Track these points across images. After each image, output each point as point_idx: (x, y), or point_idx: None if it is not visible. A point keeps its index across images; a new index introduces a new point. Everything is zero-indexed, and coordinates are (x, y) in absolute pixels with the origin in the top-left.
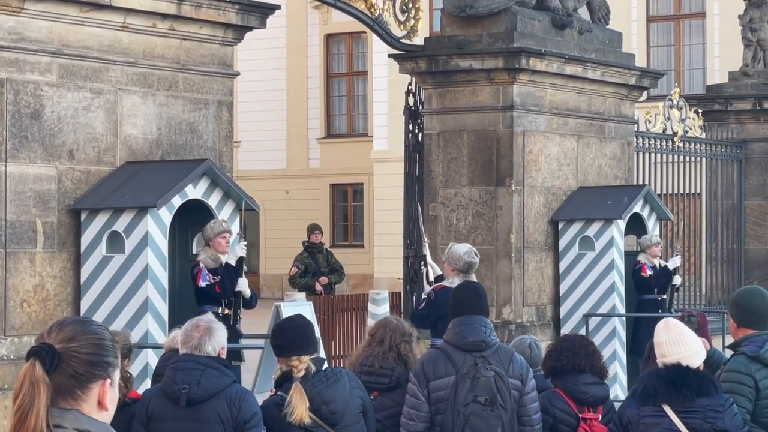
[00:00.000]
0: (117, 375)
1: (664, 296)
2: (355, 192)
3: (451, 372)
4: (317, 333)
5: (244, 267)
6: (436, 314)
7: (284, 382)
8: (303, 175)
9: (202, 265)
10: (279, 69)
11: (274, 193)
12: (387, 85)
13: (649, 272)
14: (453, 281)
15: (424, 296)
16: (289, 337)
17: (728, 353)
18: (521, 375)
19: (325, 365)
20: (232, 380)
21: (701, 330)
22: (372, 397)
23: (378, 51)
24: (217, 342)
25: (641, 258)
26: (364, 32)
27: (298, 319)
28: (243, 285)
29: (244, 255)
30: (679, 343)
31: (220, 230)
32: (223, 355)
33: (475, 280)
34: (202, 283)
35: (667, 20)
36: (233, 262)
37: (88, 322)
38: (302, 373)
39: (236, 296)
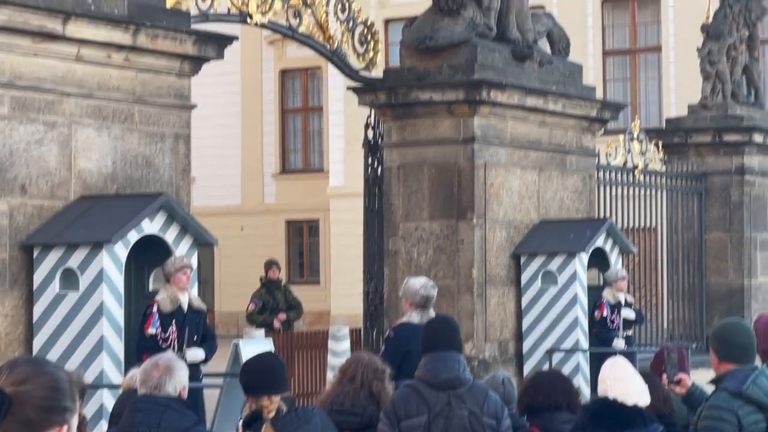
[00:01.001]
0: (75, 421)
1: (629, 333)
2: (310, 228)
3: (423, 411)
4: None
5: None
6: (399, 353)
7: (253, 421)
8: (258, 211)
9: (155, 309)
10: (233, 104)
11: (229, 229)
12: (343, 120)
13: (605, 312)
14: (411, 316)
15: (385, 339)
16: (259, 376)
17: (709, 389)
18: (496, 414)
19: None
20: (194, 422)
21: (680, 365)
22: None
23: (333, 86)
24: (178, 381)
25: (605, 293)
26: (319, 67)
27: (269, 358)
28: (195, 356)
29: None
30: (621, 380)
31: (181, 265)
32: (185, 395)
33: (434, 314)
34: (151, 330)
35: (623, 54)
36: (194, 305)
37: (42, 362)
38: (273, 413)
39: (207, 341)
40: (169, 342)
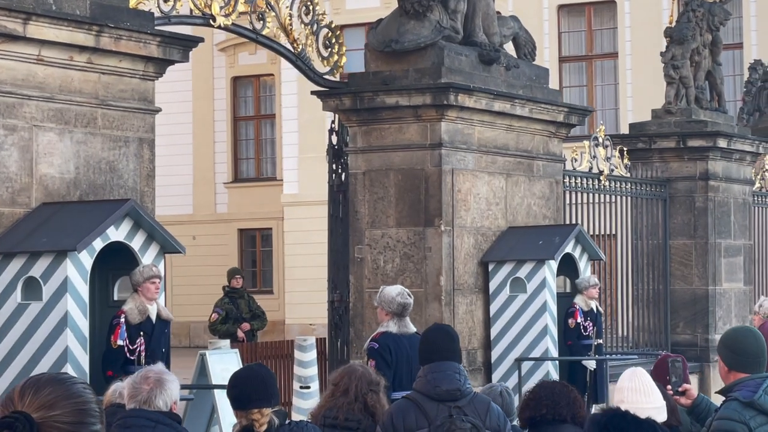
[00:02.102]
0: None
1: (600, 341)
2: (263, 237)
3: (423, 424)
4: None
5: None
6: (391, 364)
7: None
8: (210, 220)
9: (123, 320)
10: (185, 113)
11: (180, 239)
12: (297, 128)
13: (579, 319)
14: (389, 326)
15: (365, 351)
16: (249, 388)
17: (717, 399)
18: (499, 427)
19: (288, 420)
20: None
21: (684, 375)
22: None
23: (287, 93)
24: (169, 395)
25: (577, 300)
26: (271, 75)
27: (258, 369)
28: None
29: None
30: (640, 392)
31: (150, 275)
32: (176, 410)
33: (412, 326)
34: (120, 341)
35: (579, 60)
36: (163, 316)
37: (69, 380)
38: (264, 427)
39: (166, 355)
40: (136, 354)
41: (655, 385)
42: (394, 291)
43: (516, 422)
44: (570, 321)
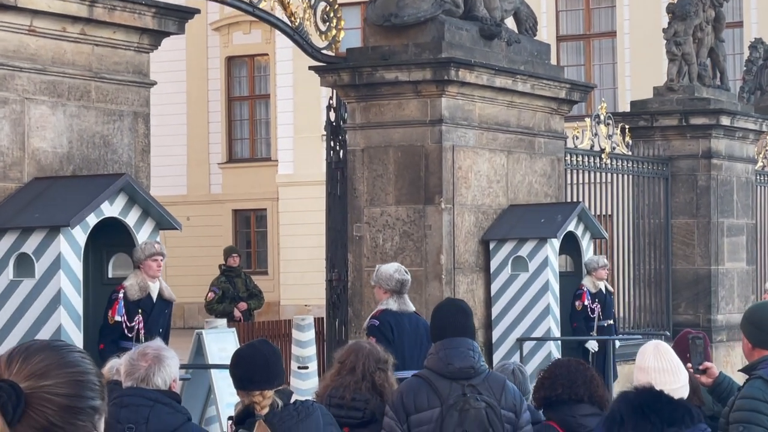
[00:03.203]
0: (102, 425)
1: (611, 321)
2: (258, 218)
3: (435, 404)
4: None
5: None
6: (392, 342)
7: (246, 418)
8: (204, 201)
9: (122, 294)
10: (179, 93)
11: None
12: (292, 108)
13: (586, 301)
14: (389, 303)
15: (365, 329)
16: (250, 369)
17: (739, 377)
18: (515, 406)
19: (294, 398)
20: (187, 418)
21: (705, 353)
22: None
23: (282, 73)
24: (168, 373)
25: (585, 282)
26: (266, 54)
27: (262, 347)
28: None
29: None
30: (669, 372)
31: (152, 252)
32: (175, 388)
33: (411, 304)
34: (117, 317)
35: (577, 39)
36: (165, 295)
37: (65, 348)
38: (266, 410)
39: (165, 335)
40: (134, 332)
41: (678, 359)
42: (392, 268)
43: (530, 401)
44: (577, 303)
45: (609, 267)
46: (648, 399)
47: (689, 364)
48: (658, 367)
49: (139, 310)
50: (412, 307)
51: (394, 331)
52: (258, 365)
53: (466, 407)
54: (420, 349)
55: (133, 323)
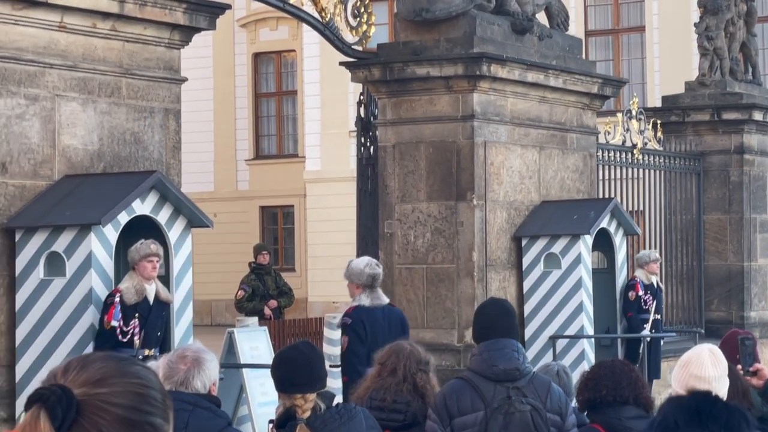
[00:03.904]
0: None
1: (658, 316)
2: (285, 214)
3: (479, 407)
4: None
5: None
6: (363, 339)
7: (287, 421)
8: (232, 197)
9: (118, 298)
10: (206, 89)
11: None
12: (319, 104)
13: (639, 292)
14: (361, 299)
15: (338, 326)
16: (292, 371)
17: None
18: (560, 409)
19: (337, 400)
20: (227, 422)
21: (755, 354)
22: None
23: (309, 69)
24: (207, 376)
25: (638, 274)
26: (293, 51)
27: (304, 349)
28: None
29: None
30: (723, 377)
31: (147, 252)
32: (214, 392)
33: (384, 296)
34: (113, 322)
35: (606, 34)
36: (162, 297)
37: (127, 359)
38: (308, 413)
39: (165, 339)
40: (129, 336)
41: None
42: (362, 263)
43: (574, 404)
44: (630, 293)
45: (661, 261)
46: (704, 405)
47: (739, 366)
48: (716, 376)
49: (136, 315)
50: (385, 300)
51: (366, 328)
52: (300, 368)
53: (511, 410)
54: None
55: (129, 328)
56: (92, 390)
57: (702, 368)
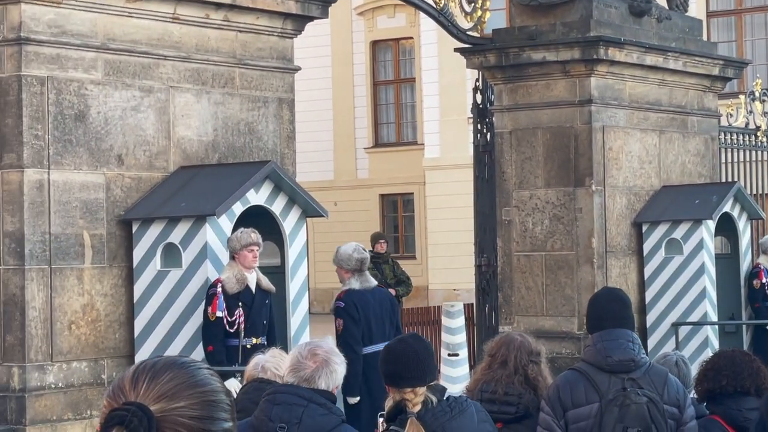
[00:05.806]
0: None
1: None
2: (405, 202)
3: (593, 398)
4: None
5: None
6: (357, 321)
7: (397, 415)
8: (351, 186)
9: (220, 289)
10: (324, 78)
11: (322, 205)
12: (437, 91)
13: (764, 279)
14: (351, 283)
15: (332, 311)
16: (400, 365)
17: None
18: (678, 401)
19: (448, 393)
20: (341, 420)
21: None
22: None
23: (427, 56)
24: (333, 379)
25: (762, 260)
26: (411, 38)
27: (413, 342)
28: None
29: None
30: None
31: (248, 242)
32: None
33: (372, 279)
34: (219, 313)
35: (728, 15)
36: (263, 286)
37: (192, 365)
38: (418, 407)
39: (270, 328)
40: (235, 326)
41: None
42: (350, 248)
43: (693, 395)
44: (755, 282)
45: None
46: None
47: None
48: None
49: (240, 304)
50: (374, 282)
51: (359, 310)
52: (409, 361)
53: (627, 402)
54: (383, 323)
55: (234, 318)
56: (168, 405)
57: None
